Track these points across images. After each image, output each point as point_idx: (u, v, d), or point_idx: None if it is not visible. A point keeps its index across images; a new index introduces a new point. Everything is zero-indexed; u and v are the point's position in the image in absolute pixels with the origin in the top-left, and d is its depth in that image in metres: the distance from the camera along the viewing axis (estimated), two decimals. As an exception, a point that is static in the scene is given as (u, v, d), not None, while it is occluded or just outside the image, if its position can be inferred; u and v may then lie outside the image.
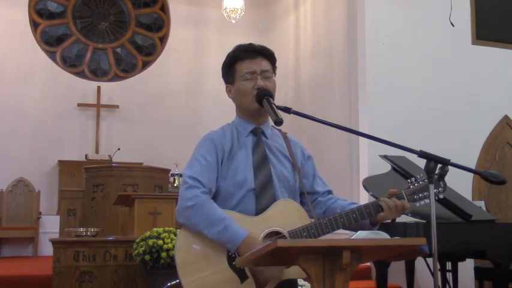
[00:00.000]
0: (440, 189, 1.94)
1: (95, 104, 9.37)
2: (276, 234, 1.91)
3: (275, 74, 2.11)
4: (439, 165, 1.91)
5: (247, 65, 2.04)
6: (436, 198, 1.94)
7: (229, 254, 1.86)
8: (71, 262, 4.31)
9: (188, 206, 1.87)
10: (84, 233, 4.56)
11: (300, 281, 2.08)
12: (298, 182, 2.07)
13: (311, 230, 1.90)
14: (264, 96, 1.97)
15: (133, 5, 9.87)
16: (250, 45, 2.08)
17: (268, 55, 2.08)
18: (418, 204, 1.94)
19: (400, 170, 4.40)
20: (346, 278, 1.63)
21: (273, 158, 2.05)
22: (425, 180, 1.92)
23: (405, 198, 1.92)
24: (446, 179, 1.95)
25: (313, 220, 1.95)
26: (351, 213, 1.91)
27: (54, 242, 4.39)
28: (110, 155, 8.72)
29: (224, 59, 2.11)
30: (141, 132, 9.37)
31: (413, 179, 1.97)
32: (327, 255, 1.61)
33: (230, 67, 2.08)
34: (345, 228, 1.95)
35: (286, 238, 1.88)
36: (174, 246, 3.91)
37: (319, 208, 2.11)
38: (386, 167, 4.59)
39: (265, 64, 2.05)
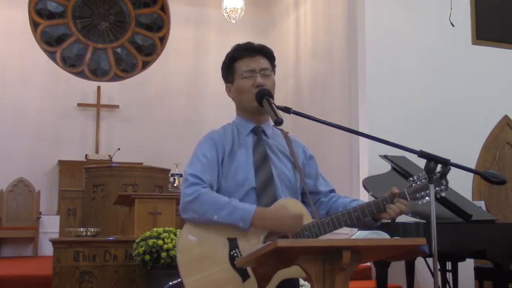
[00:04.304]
0: (442, 187, 1.94)
1: (95, 104, 9.38)
2: (278, 233, 1.91)
3: (274, 73, 2.11)
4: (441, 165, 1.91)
5: (246, 63, 2.04)
6: (438, 196, 1.94)
7: (231, 252, 1.86)
8: (71, 262, 4.32)
9: (191, 199, 1.88)
10: (84, 233, 4.57)
11: (300, 281, 2.08)
12: (299, 182, 2.07)
13: (313, 228, 1.90)
14: (264, 96, 1.97)
15: (134, 5, 9.88)
16: (249, 43, 2.08)
17: (267, 53, 2.08)
18: (420, 202, 1.94)
19: (400, 170, 4.40)
20: (346, 278, 1.63)
21: (273, 157, 2.04)
22: (427, 179, 1.92)
23: (407, 196, 1.93)
24: (447, 177, 1.95)
25: (315, 219, 1.95)
26: (353, 212, 1.91)
27: (54, 242, 4.39)
28: (110, 155, 8.72)
29: (223, 59, 2.11)
30: (141, 132, 9.37)
31: (415, 177, 1.97)
32: (327, 255, 1.61)
33: (229, 66, 2.08)
34: (347, 225, 1.95)
35: (288, 237, 1.88)
36: (174, 246, 3.92)
37: (322, 209, 2.11)
38: (386, 167, 4.60)
39: (264, 62, 2.06)
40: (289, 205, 1.92)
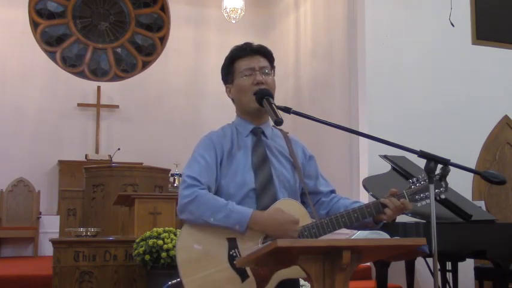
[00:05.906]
0: (442, 189, 1.93)
1: (95, 104, 9.38)
2: (276, 234, 1.90)
3: (274, 74, 2.11)
4: (441, 166, 1.90)
5: (245, 62, 2.05)
6: (438, 198, 1.93)
7: (230, 252, 1.86)
8: (71, 262, 4.32)
9: (188, 201, 1.88)
10: (84, 233, 4.57)
11: (300, 281, 2.08)
12: (298, 182, 2.06)
13: (312, 229, 1.90)
14: (264, 96, 1.97)
15: (134, 5, 9.87)
16: (248, 43, 2.09)
17: (266, 53, 2.09)
18: (419, 204, 1.93)
19: (400, 170, 4.39)
20: (346, 278, 1.63)
21: (273, 158, 2.04)
22: (427, 181, 1.91)
23: (406, 198, 1.92)
24: (447, 178, 1.95)
25: (314, 220, 1.95)
26: (352, 213, 1.91)
27: (54, 242, 4.39)
28: (110, 155, 8.72)
29: (223, 62, 2.12)
30: (141, 132, 9.36)
31: (414, 179, 1.96)
32: (327, 255, 1.60)
33: (229, 67, 2.09)
34: (347, 227, 1.95)
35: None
36: (174, 246, 3.92)
37: (323, 209, 2.11)
38: (386, 167, 4.59)
39: (263, 61, 2.07)
40: (287, 207, 1.91)
